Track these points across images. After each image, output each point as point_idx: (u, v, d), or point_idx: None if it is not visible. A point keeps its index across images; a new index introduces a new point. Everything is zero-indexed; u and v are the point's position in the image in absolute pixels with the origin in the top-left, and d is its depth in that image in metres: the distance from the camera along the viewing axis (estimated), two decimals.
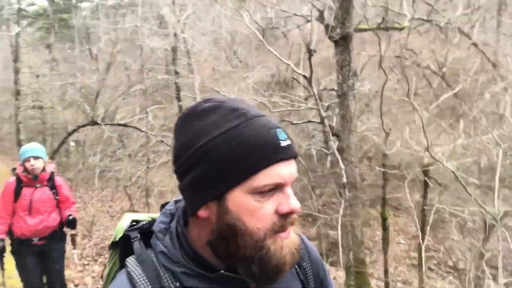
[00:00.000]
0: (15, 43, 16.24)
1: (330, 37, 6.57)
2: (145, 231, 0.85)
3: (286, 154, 0.75)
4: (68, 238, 4.11)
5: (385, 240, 8.88)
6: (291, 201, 0.75)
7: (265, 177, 0.73)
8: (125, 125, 10.37)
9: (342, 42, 6.46)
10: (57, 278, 3.99)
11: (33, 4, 23.48)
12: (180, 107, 11.07)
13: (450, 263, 9.66)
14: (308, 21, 6.75)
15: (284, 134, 0.76)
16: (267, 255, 0.74)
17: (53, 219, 3.82)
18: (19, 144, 12.84)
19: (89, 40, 20.63)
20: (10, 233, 3.75)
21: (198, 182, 0.75)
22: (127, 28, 13.93)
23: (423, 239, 6.72)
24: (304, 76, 5.59)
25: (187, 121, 0.78)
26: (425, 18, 7.95)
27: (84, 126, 10.04)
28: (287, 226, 0.76)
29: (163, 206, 0.89)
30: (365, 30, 6.73)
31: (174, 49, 11.08)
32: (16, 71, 14.41)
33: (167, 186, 9.99)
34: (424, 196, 8.71)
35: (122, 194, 10.09)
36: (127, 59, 12.84)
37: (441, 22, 8.06)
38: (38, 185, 3.75)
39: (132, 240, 0.83)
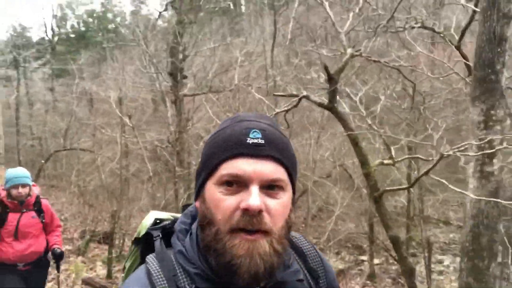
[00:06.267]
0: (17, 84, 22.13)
1: (171, 101, 11.74)
2: (167, 231, 0.91)
3: (250, 150, 0.78)
4: (53, 264, 4.06)
5: None
6: (250, 198, 0.75)
7: (225, 168, 0.78)
8: (82, 150, 15.62)
9: (176, 103, 11.61)
10: None
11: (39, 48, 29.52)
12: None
13: None
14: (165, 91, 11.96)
15: (260, 134, 0.79)
16: (223, 248, 0.76)
17: (40, 244, 3.80)
18: (19, 164, 18.50)
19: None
20: None
21: (196, 175, 0.86)
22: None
23: None
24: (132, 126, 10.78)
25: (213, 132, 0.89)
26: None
27: (57, 151, 15.47)
28: (251, 226, 0.75)
29: (185, 207, 0.95)
30: (191, 95, 11.78)
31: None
32: (17, 109, 20.23)
33: None
34: None
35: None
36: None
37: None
38: (25, 210, 3.73)
39: (154, 239, 0.89)
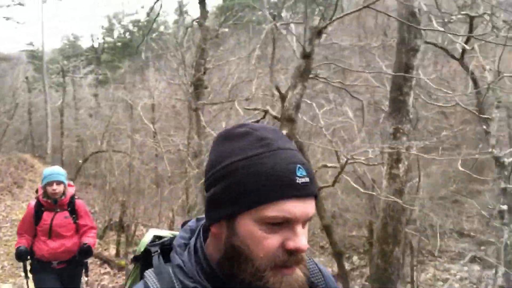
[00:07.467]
0: (62, 92, 24.29)
1: (192, 109, 12.93)
2: (166, 247, 0.91)
3: (300, 191, 0.76)
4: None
5: None
6: (298, 240, 0.76)
7: (274, 210, 0.75)
8: (115, 151, 17.14)
9: (195, 113, 12.76)
10: None
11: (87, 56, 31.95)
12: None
13: None
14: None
15: (304, 171, 0.77)
16: (265, 286, 0.76)
17: (74, 244, 3.83)
18: (62, 163, 20.40)
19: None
20: (31, 252, 3.78)
21: (215, 199, 0.80)
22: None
23: None
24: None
25: (220, 141, 0.84)
26: None
27: (95, 153, 17.10)
28: (291, 263, 0.77)
29: (184, 223, 0.95)
30: (212, 104, 12.87)
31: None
32: (61, 114, 22.29)
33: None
34: None
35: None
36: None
37: None
38: (58, 210, 3.78)
39: (152, 254, 0.89)
